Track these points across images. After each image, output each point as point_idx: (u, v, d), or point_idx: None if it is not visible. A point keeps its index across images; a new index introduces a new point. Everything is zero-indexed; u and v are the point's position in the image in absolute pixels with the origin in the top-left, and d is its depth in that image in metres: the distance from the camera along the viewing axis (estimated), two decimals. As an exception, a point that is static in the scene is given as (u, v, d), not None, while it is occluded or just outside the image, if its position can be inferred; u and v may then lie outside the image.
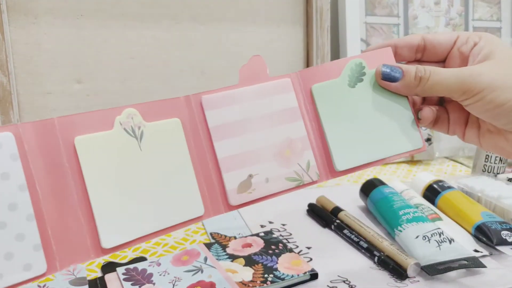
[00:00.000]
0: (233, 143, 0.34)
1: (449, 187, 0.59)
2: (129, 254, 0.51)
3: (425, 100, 0.42)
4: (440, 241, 0.46)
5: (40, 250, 0.27)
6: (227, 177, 0.33)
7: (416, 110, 0.39)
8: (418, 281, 0.43)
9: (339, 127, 0.36)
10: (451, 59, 0.39)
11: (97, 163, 0.29)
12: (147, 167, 0.30)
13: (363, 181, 0.61)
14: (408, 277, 0.43)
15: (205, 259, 0.46)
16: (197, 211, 0.32)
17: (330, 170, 0.36)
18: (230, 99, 0.34)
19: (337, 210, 0.56)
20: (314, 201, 0.60)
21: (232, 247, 0.49)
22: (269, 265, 0.45)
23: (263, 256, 0.46)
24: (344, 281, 0.43)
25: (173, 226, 0.31)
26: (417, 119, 0.39)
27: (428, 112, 0.39)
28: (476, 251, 0.48)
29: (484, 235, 0.50)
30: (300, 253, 0.49)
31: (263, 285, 0.41)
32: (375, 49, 0.39)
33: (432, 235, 0.47)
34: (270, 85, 0.36)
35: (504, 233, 0.49)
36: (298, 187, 0.35)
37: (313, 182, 0.35)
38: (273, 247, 0.48)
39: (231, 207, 0.33)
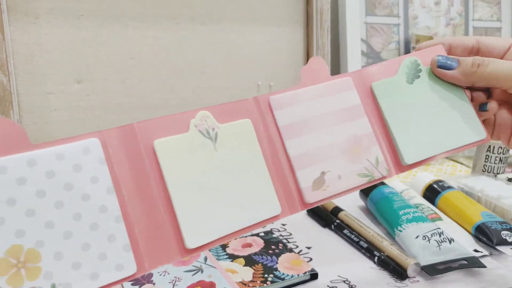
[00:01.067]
0: (303, 141, 0.34)
1: (449, 187, 0.59)
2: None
3: (473, 100, 0.41)
4: (440, 241, 0.46)
5: (129, 250, 0.28)
6: (301, 175, 0.33)
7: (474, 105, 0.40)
8: (418, 281, 0.43)
9: (402, 122, 0.37)
10: None
11: (175, 164, 0.29)
12: (223, 168, 0.31)
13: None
14: (408, 277, 0.44)
15: (205, 259, 0.46)
16: (274, 210, 0.32)
17: (397, 164, 0.37)
18: (296, 99, 0.35)
19: (337, 210, 0.56)
20: (314, 201, 0.60)
21: (232, 247, 0.49)
22: (269, 265, 0.45)
23: (263, 256, 0.46)
24: (344, 281, 0.43)
25: (251, 226, 0.31)
26: (478, 112, 0.39)
27: (494, 103, 0.39)
28: (476, 251, 0.48)
29: (484, 235, 0.50)
30: (300, 253, 0.49)
31: (263, 285, 0.42)
32: (427, 47, 0.39)
33: (432, 235, 0.47)
34: (333, 84, 0.36)
35: (504, 233, 0.49)
36: (369, 182, 0.35)
37: (383, 177, 0.36)
38: (273, 247, 0.48)
39: (306, 205, 0.33)
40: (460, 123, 0.38)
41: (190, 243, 0.29)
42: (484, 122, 0.40)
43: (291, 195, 0.33)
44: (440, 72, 0.38)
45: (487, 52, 0.40)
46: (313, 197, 0.33)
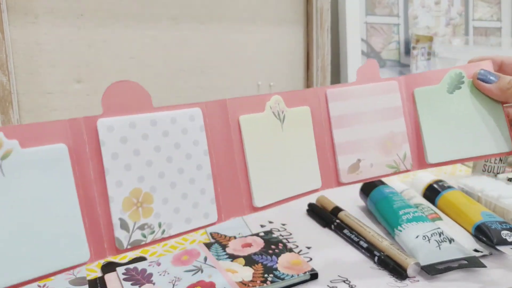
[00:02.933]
0: (348, 132, 0.40)
1: (449, 187, 0.59)
2: (129, 254, 0.51)
3: (509, 116, 0.43)
4: (440, 241, 0.46)
5: (214, 203, 0.34)
6: (341, 159, 0.40)
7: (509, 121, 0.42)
8: (418, 281, 0.43)
9: (434, 125, 0.42)
10: None
11: (253, 137, 0.36)
12: (285, 145, 0.37)
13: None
14: (408, 277, 0.43)
15: (205, 259, 0.46)
16: (316, 184, 0.39)
17: (421, 162, 0.42)
18: (349, 94, 0.41)
19: (337, 210, 0.56)
20: (314, 201, 0.61)
21: (232, 247, 0.49)
22: (269, 265, 0.45)
23: (263, 256, 0.46)
24: (344, 281, 0.43)
25: (300, 194, 0.38)
26: (510, 126, 0.42)
27: None
28: (476, 250, 0.48)
29: (484, 235, 0.50)
30: (300, 253, 0.49)
31: (263, 284, 0.41)
32: (477, 61, 0.41)
33: (432, 235, 0.47)
34: (381, 86, 0.42)
35: (504, 233, 0.49)
36: (395, 173, 0.41)
37: (406, 171, 0.41)
38: (273, 247, 0.48)
39: (340, 184, 0.40)
40: (490, 134, 0.41)
41: (258, 202, 0.36)
42: None
43: (330, 174, 0.40)
44: (479, 84, 0.40)
45: None
46: (347, 178, 0.40)
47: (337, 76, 0.87)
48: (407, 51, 0.90)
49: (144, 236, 0.31)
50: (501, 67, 0.41)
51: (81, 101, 0.66)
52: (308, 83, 0.81)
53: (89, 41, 0.66)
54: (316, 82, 0.79)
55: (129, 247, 0.30)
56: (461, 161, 0.42)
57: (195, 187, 0.33)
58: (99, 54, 0.67)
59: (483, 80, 0.40)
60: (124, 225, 0.30)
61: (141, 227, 0.30)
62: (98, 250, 0.29)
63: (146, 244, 0.31)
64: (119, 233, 0.30)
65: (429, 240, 0.46)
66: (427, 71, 0.43)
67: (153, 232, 0.31)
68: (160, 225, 0.31)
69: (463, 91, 0.42)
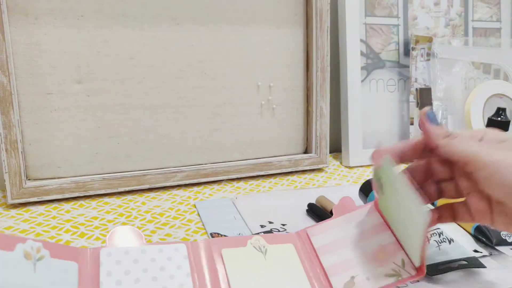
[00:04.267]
0: (334, 255, 0.42)
1: (449, 188, 0.59)
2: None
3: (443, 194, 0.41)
4: (440, 241, 0.46)
5: None
6: (334, 280, 0.40)
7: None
8: (418, 281, 0.43)
9: (400, 234, 0.41)
10: None
11: (237, 266, 0.39)
12: (271, 271, 0.40)
13: (362, 181, 0.61)
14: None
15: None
16: None
17: (417, 267, 0.39)
18: (329, 227, 0.45)
19: (337, 210, 0.56)
20: (313, 201, 0.61)
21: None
22: (269, 265, 0.45)
23: (263, 257, 0.47)
24: (344, 281, 0.43)
25: None
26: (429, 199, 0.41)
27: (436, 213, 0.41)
28: (475, 251, 0.48)
29: (484, 235, 0.50)
30: (300, 254, 0.49)
31: (263, 285, 0.42)
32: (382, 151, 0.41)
33: (431, 235, 0.47)
34: (359, 212, 0.45)
35: (503, 233, 0.49)
36: (398, 281, 0.39)
37: (412, 277, 0.39)
38: (273, 247, 0.48)
39: None
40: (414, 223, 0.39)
41: None
42: (458, 213, 0.40)
43: None
44: (422, 120, 0.39)
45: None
46: None
47: (336, 77, 0.87)
48: (407, 52, 0.90)
49: None
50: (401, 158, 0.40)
51: (81, 101, 0.66)
52: (308, 83, 0.81)
53: (89, 42, 0.66)
54: (316, 82, 0.79)
55: None
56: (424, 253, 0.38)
57: None
58: (100, 55, 0.67)
59: (429, 119, 0.39)
60: None
61: None
62: None
63: None
64: None
65: (428, 240, 0.46)
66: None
67: None
68: None
69: (386, 189, 0.41)
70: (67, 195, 0.66)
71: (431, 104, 0.88)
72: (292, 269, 0.41)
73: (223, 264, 0.39)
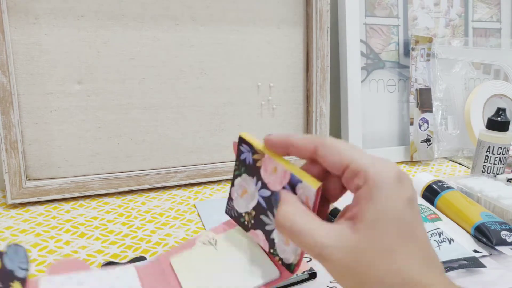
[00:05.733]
0: None
1: (449, 188, 0.59)
2: (129, 254, 0.51)
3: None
4: (440, 241, 0.46)
5: None
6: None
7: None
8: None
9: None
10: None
11: (187, 271, 0.37)
12: (226, 256, 0.38)
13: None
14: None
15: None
16: (274, 274, 0.37)
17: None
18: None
19: (336, 211, 0.56)
20: (314, 202, 0.60)
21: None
22: (269, 265, 0.45)
23: (263, 256, 0.46)
24: (344, 281, 0.43)
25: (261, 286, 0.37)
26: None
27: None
28: (475, 251, 0.48)
29: (484, 235, 0.50)
30: (300, 253, 0.49)
31: (263, 285, 0.41)
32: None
33: (431, 235, 0.47)
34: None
35: (503, 234, 0.49)
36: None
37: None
38: (273, 247, 0.48)
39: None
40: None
41: None
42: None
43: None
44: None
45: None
46: None
47: (336, 77, 0.87)
48: (407, 52, 0.90)
49: None
50: (316, 153, 0.32)
51: (81, 101, 0.66)
52: (308, 83, 0.81)
53: (89, 42, 0.66)
54: (316, 82, 0.79)
55: None
56: None
57: None
58: (100, 55, 0.67)
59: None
60: None
61: None
62: None
63: None
64: None
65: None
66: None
67: None
68: None
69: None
70: (67, 195, 0.66)
71: (431, 104, 0.88)
72: (247, 247, 0.39)
73: (174, 274, 0.37)
